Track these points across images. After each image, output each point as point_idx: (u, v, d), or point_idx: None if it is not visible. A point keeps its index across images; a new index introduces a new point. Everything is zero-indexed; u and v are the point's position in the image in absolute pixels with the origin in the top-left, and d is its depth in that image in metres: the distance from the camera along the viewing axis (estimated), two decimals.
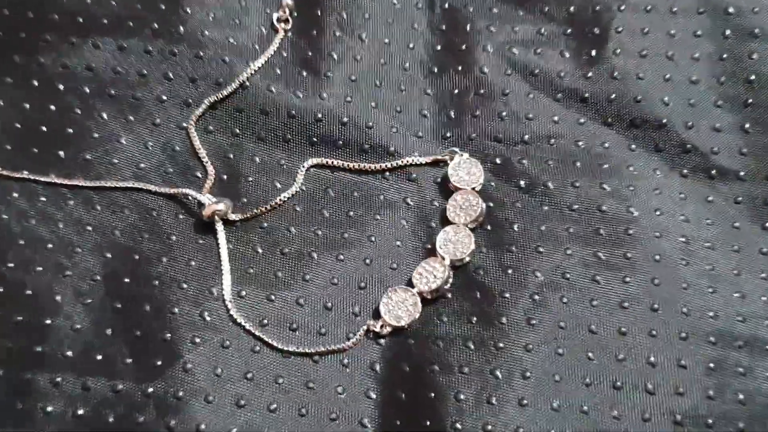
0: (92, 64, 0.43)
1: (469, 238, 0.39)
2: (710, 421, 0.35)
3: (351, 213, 0.41)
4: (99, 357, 0.37)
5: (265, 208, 0.40)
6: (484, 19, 0.44)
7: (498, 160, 0.42)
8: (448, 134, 0.43)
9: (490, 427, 0.35)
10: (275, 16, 0.44)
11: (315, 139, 0.42)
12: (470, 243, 0.39)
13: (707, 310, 0.38)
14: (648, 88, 0.42)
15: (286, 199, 0.41)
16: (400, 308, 0.38)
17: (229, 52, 0.43)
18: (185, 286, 0.38)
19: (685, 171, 0.42)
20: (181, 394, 0.36)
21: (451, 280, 0.39)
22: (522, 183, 0.41)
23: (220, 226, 0.39)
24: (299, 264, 0.39)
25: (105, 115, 0.42)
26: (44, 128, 0.42)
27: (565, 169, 0.41)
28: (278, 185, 0.41)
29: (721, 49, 0.43)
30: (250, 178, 0.41)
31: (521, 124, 0.42)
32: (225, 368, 0.37)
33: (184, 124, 0.42)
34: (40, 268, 0.38)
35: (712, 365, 0.36)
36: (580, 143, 0.42)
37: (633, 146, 0.42)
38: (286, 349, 0.37)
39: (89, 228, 0.40)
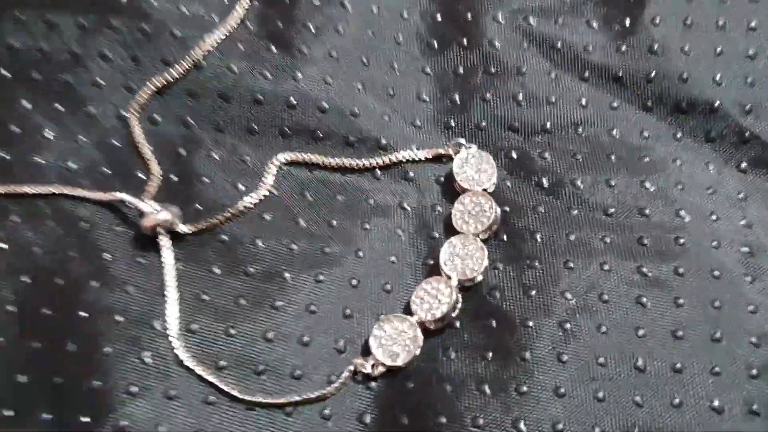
0: (12, 43, 0.35)
1: (481, 251, 0.32)
2: None
3: (334, 222, 0.34)
4: (9, 413, 0.29)
5: (225, 216, 0.33)
6: None
7: (514, 154, 0.35)
8: (452, 123, 0.36)
9: None
10: None
11: (287, 131, 0.35)
12: (482, 258, 0.32)
13: None
14: (695, 64, 0.36)
15: (251, 205, 0.33)
16: (395, 342, 0.31)
17: (180, 24, 0.35)
18: (121, 318, 0.31)
19: (744, 164, 0.35)
20: None
21: (459, 306, 0.31)
22: (545, 182, 0.34)
23: (165, 241, 0.32)
24: (268, 288, 0.32)
25: (27, 104, 0.34)
26: None
27: (597, 164, 0.35)
28: (242, 188, 0.34)
29: None
30: (206, 180, 0.34)
31: (541, 109, 0.36)
32: (171, 425, 0.29)
33: (124, 114, 0.34)
34: None
35: None
36: (614, 132, 0.36)
37: (679, 135, 0.36)
38: (249, 399, 0.29)
39: (2, 245, 0.32)
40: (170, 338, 0.30)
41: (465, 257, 0.32)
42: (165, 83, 0.34)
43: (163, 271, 0.31)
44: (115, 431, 0.28)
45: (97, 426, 0.28)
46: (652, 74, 0.35)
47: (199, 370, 0.30)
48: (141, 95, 0.34)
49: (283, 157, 0.34)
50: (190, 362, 0.30)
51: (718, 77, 0.35)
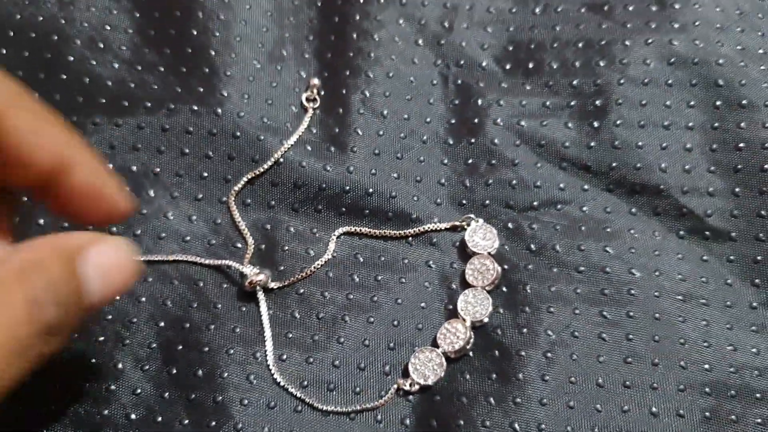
0: (138, 144, 0.47)
1: (488, 300, 0.43)
2: None
3: (379, 277, 0.44)
4: (159, 419, 0.41)
5: (301, 275, 0.44)
6: (494, 93, 0.48)
7: (510, 225, 0.46)
8: (464, 201, 0.46)
9: None
10: (304, 96, 0.48)
11: (344, 209, 0.46)
12: (488, 305, 0.43)
13: (703, 363, 0.42)
14: (647, 156, 0.46)
15: (319, 266, 0.45)
16: (426, 367, 0.42)
17: (263, 131, 0.47)
18: (232, 351, 0.42)
19: (682, 232, 0.45)
20: None
21: (472, 340, 0.42)
22: (533, 246, 0.45)
23: (261, 296, 0.43)
24: (334, 327, 0.43)
25: (152, 193, 0.46)
26: None
27: (571, 233, 0.45)
28: (311, 253, 0.45)
29: (712, 119, 0.47)
30: (286, 248, 0.45)
31: (530, 191, 0.46)
32: (272, 427, 0.40)
33: (224, 199, 0.46)
34: (102, 338, 0.43)
35: (708, 414, 0.40)
36: (585, 208, 0.46)
37: (634, 210, 0.46)
38: (325, 408, 0.41)
39: (143, 299, 0.44)
40: (269, 365, 0.42)
41: (476, 305, 0.42)
42: (255, 176, 0.46)
43: (261, 317, 0.43)
44: (234, 431, 0.40)
45: (222, 428, 0.40)
46: (614, 164, 0.46)
47: (291, 388, 0.41)
48: (237, 185, 0.46)
49: (342, 230, 0.45)
50: (283, 382, 0.41)
51: (663, 166, 0.45)
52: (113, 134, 0.47)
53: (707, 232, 0.45)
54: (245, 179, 0.46)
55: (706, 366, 0.42)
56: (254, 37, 0.49)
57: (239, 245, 0.46)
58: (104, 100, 0.48)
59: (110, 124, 0.47)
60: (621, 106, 0.47)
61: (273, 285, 0.44)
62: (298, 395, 0.41)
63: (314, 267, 0.44)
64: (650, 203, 0.46)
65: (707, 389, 0.41)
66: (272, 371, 0.42)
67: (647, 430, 0.40)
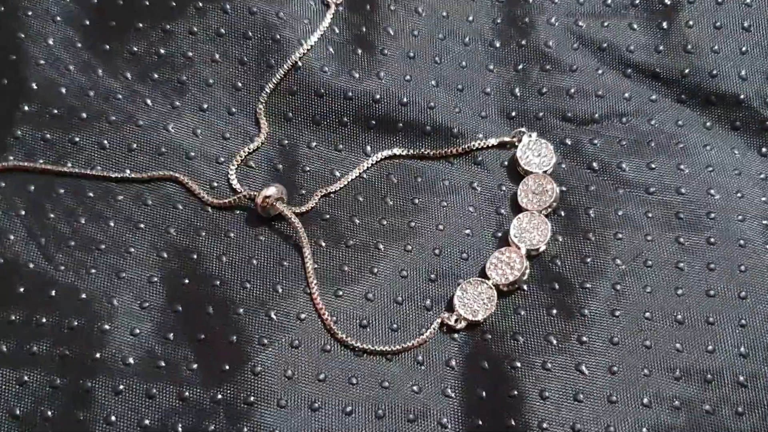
0: (134, 48, 0.40)
1: (546, 225, 0.37)
2: None
3: (416, 200, 0.39)
4: (162, 363, 0.34)
5: (322, 193, 0.38)
6: None
7: (568, 141, 0.40)
8: (513, 113, 0.41)
9: (579, 426, 0.33)
10: None
11: (373, 122, 0.40)
12: (547, 231, 0.37)
13: None
14: (723, 62, 0.41)
15: (344, 185, 0.39)
16: (475, 301, 0.36)
17: (279, 29, 0.40)
18: (248, 285, 0.36)
19: (765, 149, 0.40)
20: (252, 399, 0.34)
21: (528, 272, 0.37)
22: (595, 165, 0.39)
23: (290, 213, 0.37)
24: (365, 256, 0.37)
25: (149, 102, 0.40)
26: (84, 115, 0.39)
27: (639, 149, 0.40)
28: (337, 174, 0.39)
29: None
30: (307, 168, 0.39)
31: (591, 101, 0.41)
32: (296, 369, 0.35)
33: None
34: (94, 271, 0.36)
35: None
36: (653, 122, 0.41)
37: (708, 124, 0.41)
38: (359, 346, 0.35)
39: (141, 225, 0.37)
40: (314, 294, 0.36)
41: (532, 231, 0.37)
42: (274, 85, 0.40)
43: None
44: (252, 375, 0.34)
45: (237, 372, 0.34)
46: (686, 71, 0.40)
47: (320, 323, 0.35)
48: (263, 96, 0.39)
49: (382, 154, 0.39)
50: (327, 317, 0.35)
51: (743, 73, 0.40)
52: (108, 43, 0.40)
53: None
54: (268, 90, 0.39)
55: None
56: None
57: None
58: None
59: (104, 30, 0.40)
60: (693, 4, 0.41)
61: (293, 211, 0.37)
62: (332, 329, 0.35)
63: (339, 186, 0.38)
64: (728, 116, 0.41)
65: None
66: (319, 305, 0.36)
67: (737, 374, 0.34)
